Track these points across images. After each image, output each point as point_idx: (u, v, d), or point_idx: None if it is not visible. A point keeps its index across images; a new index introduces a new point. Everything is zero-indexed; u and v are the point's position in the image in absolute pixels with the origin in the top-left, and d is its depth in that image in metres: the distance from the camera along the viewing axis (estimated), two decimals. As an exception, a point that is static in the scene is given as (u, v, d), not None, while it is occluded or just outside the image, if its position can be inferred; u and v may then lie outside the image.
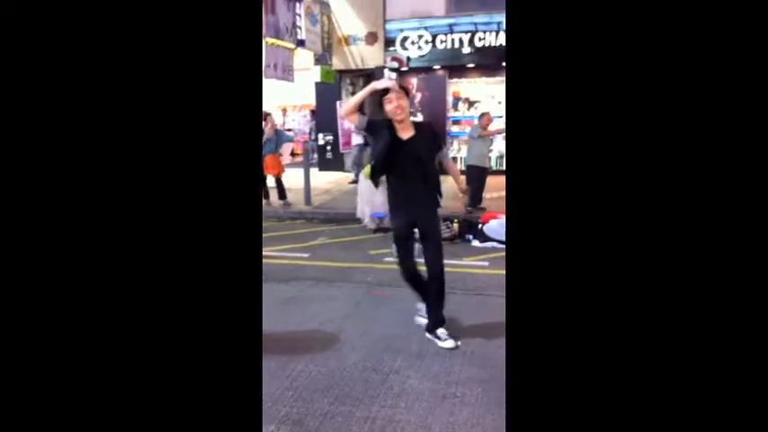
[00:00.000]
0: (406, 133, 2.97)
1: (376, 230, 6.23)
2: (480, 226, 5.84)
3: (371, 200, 6.05)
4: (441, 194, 3.11)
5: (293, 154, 11.32)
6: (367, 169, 6.13)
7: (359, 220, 6.46)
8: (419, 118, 10.88)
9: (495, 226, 5.75)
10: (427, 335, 3.12)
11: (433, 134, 3.12)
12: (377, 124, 3.01)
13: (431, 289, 3.12)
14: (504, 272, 4.76)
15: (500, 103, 10.90)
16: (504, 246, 5.60)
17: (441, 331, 3.07)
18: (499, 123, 10.62)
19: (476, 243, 5.75)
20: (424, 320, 3.19)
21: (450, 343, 3.02)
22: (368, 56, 10.73)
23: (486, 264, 5.00)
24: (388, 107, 2.93)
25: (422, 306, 3.23)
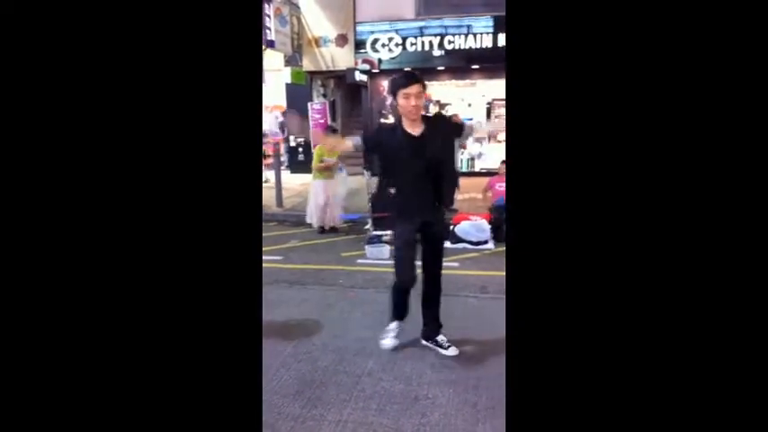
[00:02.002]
0: (416, 129, 2.72)
1: (321, 231, 6.48)
2: (452, 227, 5.88)
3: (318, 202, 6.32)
4: (453, 198, 2.90)
5: (263, 156, 11.20)
6: (316, 173, 6.26)
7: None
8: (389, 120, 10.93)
9: (467, 227, 5.82)
10: (425, 342, 3.02)
11: (449, 124, 2.89)
12: (379, 134, 2.83)
13: (428, 292, 2.97)
14: (474, 272, 4.82)
15: (470, 105, 11.02)
16: (474, 246, 5.67)
17: (441, 338, 3.00)
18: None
19: (447, 244, 5.75)
20: (390, 342, 3.02)
21: (453, 350, 2.93)
22: (338, 57, 10.72)
23: (456, 264, 5.04)
24: (405, 102, 2.64)
25: (392, 326, 3.06)
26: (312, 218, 6.51)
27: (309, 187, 6.63)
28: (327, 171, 6.38)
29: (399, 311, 3.02)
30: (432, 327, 3.01)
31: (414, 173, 2.72)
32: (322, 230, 6.50)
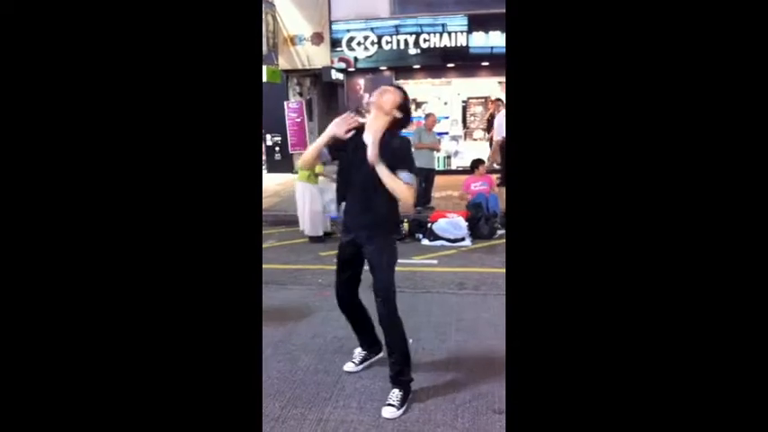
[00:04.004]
0: (368, 136, 2.40)
1: (312, 239, 6.00)
2: (429, 225, 5.94)
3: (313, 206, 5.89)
4: (393, 222, 2.56)
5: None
6: (302, 174, 6.09)
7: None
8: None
9: (444, 224, 5.87)
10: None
11: (401, 147, 2.43)
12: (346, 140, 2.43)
13: (380, 322, 2.57)
14: (452, 269, 4.85)
15: (446, 104, 11.10)
16: (452, 243, 5.72)
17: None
18: (444, 124, 10.84)
19: (425, 242, 5.84)
20: (349, 366, 2.79)
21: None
22: (314, 56, 10.67)
23: (435, 262, 5.09)
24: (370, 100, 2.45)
25: (356, 353, 2.86)
26: (313, 226, 5.92)
27: (304, 192, 5.94)
28: (316, 177, 5.94)
29: (356, 332, 2.82)
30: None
31: (355, 183, 2.44)
32: (323, 237, 5.99)
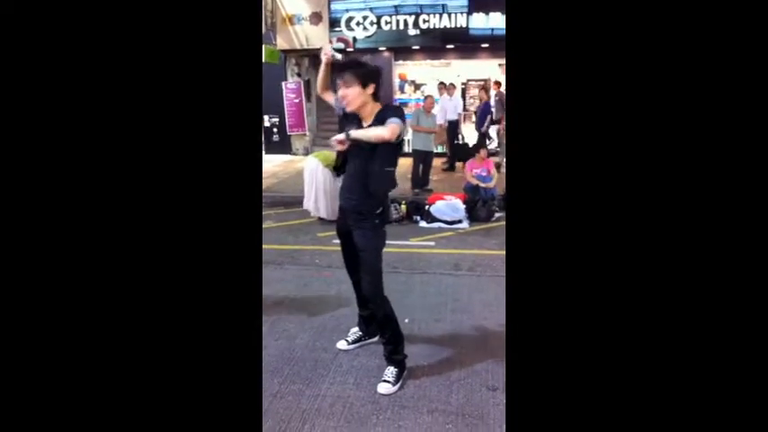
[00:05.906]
0: (367, 120, 2.42)
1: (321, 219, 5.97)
2: (427, 207, 5.97)
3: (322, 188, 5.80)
4: (379, 204, 2.46)
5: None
6: (320, 155, 6.05)
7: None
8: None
9: (442, 207, 5.90)
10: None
11: (386, 112, 2.39)
12: (350, 115, 2.47)
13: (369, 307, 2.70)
14: (448, 251, 4.88)
15: (445, 85, 11.04)
16: (449, 225, 5.76)
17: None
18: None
19: (423, 224, 5.88)
20: (341, 344, 2.87)
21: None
22: (313, 36, 10.57)
23: (432, 244, 5.13)
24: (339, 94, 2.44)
25: (351, 331, 2.94)
26: (310, 205, 5.91)
27: (319, 173, 5.79)
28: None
29: (359, 307, 2.87)
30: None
31: (350, 165, 2.48)
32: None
